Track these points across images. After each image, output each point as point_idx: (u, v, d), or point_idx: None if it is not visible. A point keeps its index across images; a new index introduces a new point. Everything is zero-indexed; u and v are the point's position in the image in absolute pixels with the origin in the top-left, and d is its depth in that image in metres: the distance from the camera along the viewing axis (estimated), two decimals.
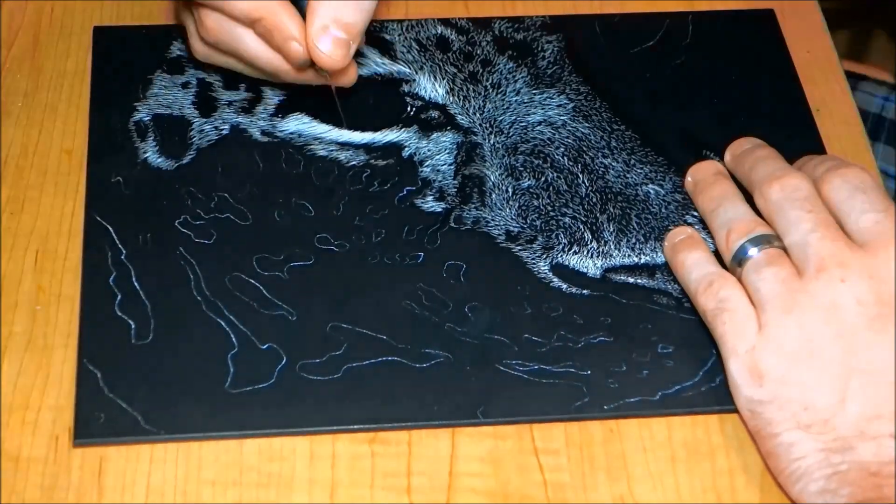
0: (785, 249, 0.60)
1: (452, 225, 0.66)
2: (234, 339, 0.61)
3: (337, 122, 0.68)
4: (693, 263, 0.63)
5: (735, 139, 0.68)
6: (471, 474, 0.58)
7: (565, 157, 0.68)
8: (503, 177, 0.67)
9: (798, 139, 0.70)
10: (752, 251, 0.60)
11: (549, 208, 0.66)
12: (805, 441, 0.56)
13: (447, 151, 0.68)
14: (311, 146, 0.68)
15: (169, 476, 0.57)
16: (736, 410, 0.59)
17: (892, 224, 0.59)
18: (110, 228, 0.64)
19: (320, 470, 0.58)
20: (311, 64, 0.64)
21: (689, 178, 0.67)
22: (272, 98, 0.70)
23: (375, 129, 0.69)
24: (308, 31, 0.62)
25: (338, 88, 0.67)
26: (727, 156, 0.68)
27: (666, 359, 0.61)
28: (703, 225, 0.66)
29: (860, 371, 0.56)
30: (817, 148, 0.70)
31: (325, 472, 0.58)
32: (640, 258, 0.65)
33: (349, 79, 0.66)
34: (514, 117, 0.70)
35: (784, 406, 0.57)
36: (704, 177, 0.67)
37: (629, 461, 0.59)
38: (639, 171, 0.68)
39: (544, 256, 0.65)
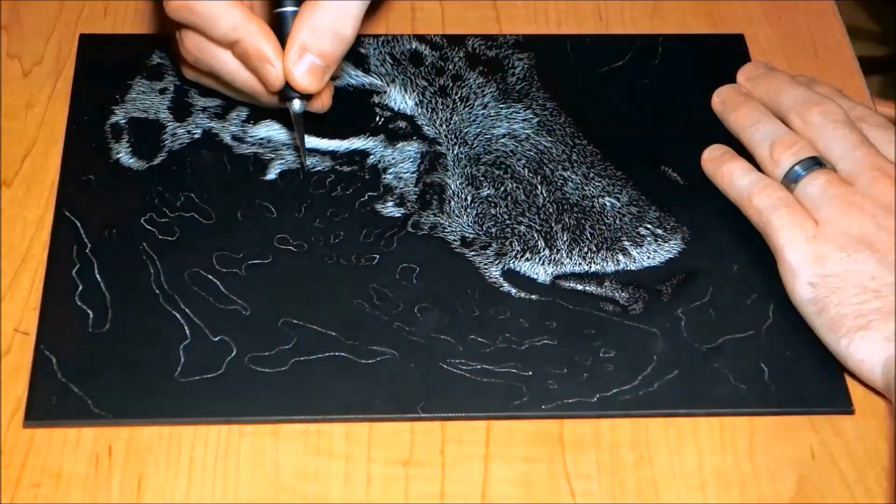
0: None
1: (409, 230, 0.67)
2: (187, 331, 0.63)
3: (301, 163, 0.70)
4: (742, 171, 0.69)
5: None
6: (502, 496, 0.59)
7: (526, 169, 0.70)
8: (463, 185, 0.69)
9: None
10: (804, 172, 0.67)
11: (506, 216, 0.68)
12: (873, 300, 0.62)
13: (411, 160, 0.70)
14: (280, 151, 0.70)
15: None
16: (680, 414, 0.62)
17: None
18: (77, 223, 0.67)
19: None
20: (288, 89, 0.65)
21: (716, 99, 0.74)
22: (245, 105, 0.72)
23: (343, 137, 0.71)
24: (286, 56, 0.64)
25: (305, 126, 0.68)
26: (741, 77, 0.74)
27: (607, 363, 0.63)
28: (656, 237, 0.67)
29: None
30: None
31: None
32: (591, 266, 0.66)
33: (323, 104, 0.68)
34: (479, 129, 0.72)
35: (851, 276, 0.63)
36: (734, 96, 0.73)
37: (660, 488, 0.60)
38: (597, 184, 0.69)
39: (496, 262, 0.66)
